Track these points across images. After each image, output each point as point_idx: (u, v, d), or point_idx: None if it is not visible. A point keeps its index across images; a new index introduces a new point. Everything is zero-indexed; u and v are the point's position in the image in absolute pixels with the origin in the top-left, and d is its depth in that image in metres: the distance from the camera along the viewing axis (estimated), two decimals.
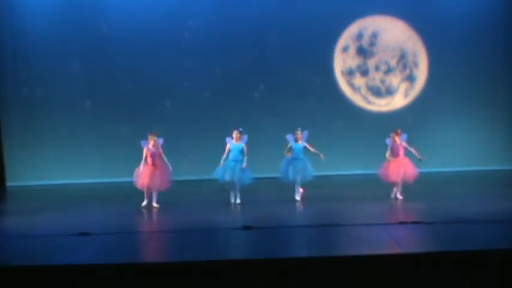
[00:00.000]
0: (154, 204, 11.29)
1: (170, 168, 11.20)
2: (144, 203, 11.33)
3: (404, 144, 11.62)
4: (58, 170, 15.73)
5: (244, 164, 11.36)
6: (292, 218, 10.62)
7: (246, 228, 8.98)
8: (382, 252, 7.58)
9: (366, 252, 7.55)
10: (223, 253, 7.90)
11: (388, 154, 11.63)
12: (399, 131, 11.66)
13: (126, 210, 11.29)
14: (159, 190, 11.32)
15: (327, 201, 11.72)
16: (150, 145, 11.21)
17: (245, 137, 11.58)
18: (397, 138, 11.57)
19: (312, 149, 11.74)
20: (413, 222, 9.09)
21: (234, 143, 11.48)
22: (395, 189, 11.67)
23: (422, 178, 14.33)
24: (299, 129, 11.75)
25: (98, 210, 11.59)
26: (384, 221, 9.77)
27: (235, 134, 11.50)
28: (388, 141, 11.68)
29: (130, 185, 11.51)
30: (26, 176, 15.74)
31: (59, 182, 15.55)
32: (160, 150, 11.27)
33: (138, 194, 11.43)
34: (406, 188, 11.79)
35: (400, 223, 9.14)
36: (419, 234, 8.45)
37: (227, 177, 11.36)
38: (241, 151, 11.43)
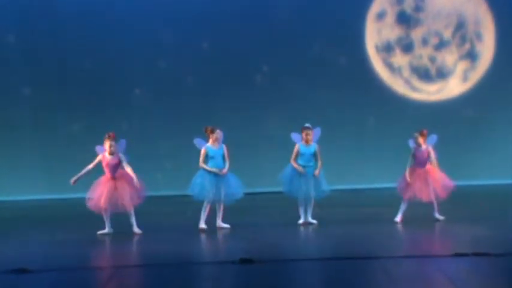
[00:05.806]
0: (136, 230, 11.30)
1: (137, 182, 11.15)
2: (105, 230, 11.30)
3: (431, 149, 11.56)
4: None
5: (225, 169, 11.32)
6: (307, 247, 10.63)
7: (244, 261, 8.98)
8: None
9: None
10: None
11: (409, 161, 11.60)
12: (425, 131, 11.59)
13: (81, 237, 11.26)
14: (130, 210, 11.31)
15: (355, 225, 11.72)
16: (107, 152, 11.22)
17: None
18: (422, 141, 11.52)
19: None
20: (475, 254, 9.06)
21: (212, 146, 11.46)
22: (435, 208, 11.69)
23: (483, 193, 14.34)
24: (308, 125, 11.62)
25: (41, 237, 11.56)
26: (434, 252, 9.77)
27: (216, 134, 11.41)
28: (411, 143, 11.63)
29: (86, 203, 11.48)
30: None
31: None
32: (121, 157, 11.22)
33: (98, 215, 11.40)
34: (459, 207, 11.70)
35: (456, 255, 9.13)
36: (482, 270, 8.43)
37: (210, 194, 11.33)
38: (223, 156, 11.41)
